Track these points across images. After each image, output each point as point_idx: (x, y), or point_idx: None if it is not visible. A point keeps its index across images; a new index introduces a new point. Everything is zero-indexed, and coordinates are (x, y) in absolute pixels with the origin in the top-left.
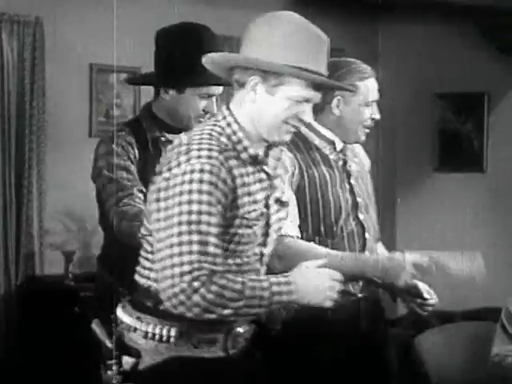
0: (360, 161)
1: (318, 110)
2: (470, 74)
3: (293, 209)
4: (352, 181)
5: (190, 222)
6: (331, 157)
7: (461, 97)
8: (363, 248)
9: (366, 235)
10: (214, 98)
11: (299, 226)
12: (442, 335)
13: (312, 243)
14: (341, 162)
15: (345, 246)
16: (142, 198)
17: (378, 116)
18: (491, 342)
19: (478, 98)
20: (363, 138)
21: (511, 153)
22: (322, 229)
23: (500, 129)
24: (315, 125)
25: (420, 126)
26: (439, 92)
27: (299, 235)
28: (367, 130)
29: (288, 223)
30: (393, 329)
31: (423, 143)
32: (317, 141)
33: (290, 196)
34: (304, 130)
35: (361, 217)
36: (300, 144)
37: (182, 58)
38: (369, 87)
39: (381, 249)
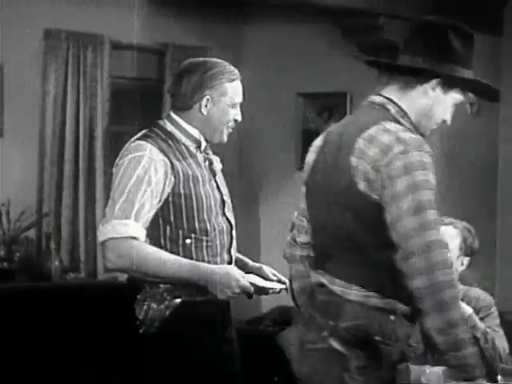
0: (217, 159)
1: (185, 108)
2: (332, 74)
3: (147, 211)
4: (217, 179)
5: None
6: (198, 155)
7: (323, 96)
8: (230, 245)
9: (233, 232)
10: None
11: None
12: (302, 332)
13: (157, 248)
14: (207, 162)
15: (217, 243)
16: None
17: (240, 117)
18: None
19: (340, 97)
20: (225, 138)
21: None
22: (197, 226)
23: None
24: (182, 122)
25: (283, 125)
26: (302, 92)
27: (142, 237)
28: (228, 131)
29: (133, 224)
30: (256, 326)
31: (286, 143)
32: (184, 139)
33: (146, 199)
34: (171, 127)
35: (228, 214)
36: (170, 142)
37: None
38: (236, 89)
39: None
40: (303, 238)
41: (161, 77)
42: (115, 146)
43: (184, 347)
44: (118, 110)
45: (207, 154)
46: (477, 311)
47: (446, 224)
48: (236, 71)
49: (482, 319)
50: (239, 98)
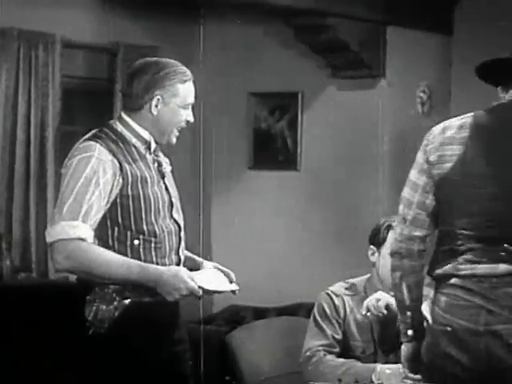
0: (167, 161)
1: (136, 108)
2: (284, 74)
3: (95, 213)
4: (166, 181)
5: None
6: (147, 157)
7: (275, 96)
8: (179, 246)
9: (182, 234)
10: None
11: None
12: (252, 331)
13: (105, 249)
14: (156, 163)
15: (166, 245)
16: None
17: (191, 119)
18: (300, 337)
19: (291, 97)
20: (175, 139)
21: (324, 151)
22: (145, 227)
23: (313, 127)
24: (132, 123)
25: (235, 124)
26: (253, 91)
27: (90, 238)
28: (178, 133)
29: (81, 225)
30: (208, 326)
31: (238, 142)
32: (133, 139)
33: (94, 200)
34: (121, 128)
35: (176, 216)
36: (120, 143)
37: None
38: (188, 90)
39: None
40: (420, 232)
41: (112, 76)
42: (66, 146)
43: (133, 348)
44: (70, 109)
45: (157, 155)
46: None
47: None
48: (188, 72)
49: None
50: (191, 100)
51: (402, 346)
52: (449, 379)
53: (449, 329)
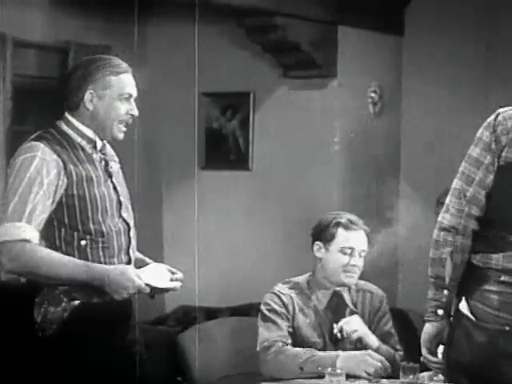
0: (116, 159)
1: (75, 106)
2: (236, 74)
3: (39, 213)
4: (114, 180)
5: None
6: (94, 156)
7: (227, 96)
8: (128, 246)
9: (131, 233)
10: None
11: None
12: (204, 332)
13: (50, 250)
14: (103, 162)
15: (114, 245)
16: None
17: (135, 112)
18: (251, 338)
19: (243, 96)
20: (121, 135)
21: (275, 150)
22: (92, 228)
23: (265, 127)
24: (75, 122)
25: (186, 124)
26: (205, 91)
27: (35, 239)
28: (124, 128)
29: (25, 226)
30: (159, 326)
31: (190, 142)
32: (79, 139)
33: (38, 200)
34: (66, 128)
35: (124, 215)
36: (65, 143)
37: None
38: (123, 82)
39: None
40: (477, 212)
41: (63, 75)
42: (17, 146)
43: (82, 349)
44: (21, 109)
45: (104, 153)
46: (375, 308)
47: (359, 229)
48: (124, 65)
49: (380, 319)
50: (128, 91)
51: (426, 326)
52: (503, 378)
53: (507, 328)
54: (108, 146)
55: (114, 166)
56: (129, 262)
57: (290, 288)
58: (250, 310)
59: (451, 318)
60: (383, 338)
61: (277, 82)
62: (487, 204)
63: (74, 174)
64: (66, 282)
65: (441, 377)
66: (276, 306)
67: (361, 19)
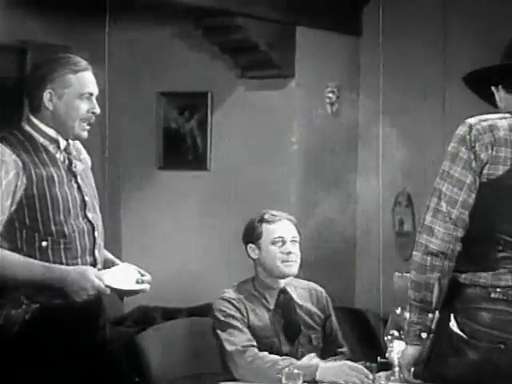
0: (84, 159)
1: (36, 107)
2: (193, 74)
3: None
4: (79, 180)
5: None
6: (57, 156)
7: (185, 96)
8: (93, 246)
9: (96, 234)
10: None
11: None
12: (162, 332)
13: (8, 251)
14: (67, 162)
15: (77, 245)
16: None
17: (97, 110)
18: (209, 338)
19: (201, 96)
20: (84, 134)
21: (234, 151)
22: (53, 228)
23: (223, 127)
24: (38, 123)
25: (144, 124)
26: (163, 91)
27: None
28: (87, 126)
29: None
30: (118, 327)
31: (148, 142)
32: (41, 139)
33: None
34: (29, 129)
35: (89, 216)
36: (27, 144)
37: None
38: (83, 80)
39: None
40: (461, 233)
41: (21, 76)
42: None
43: (44, 352)
44: None
45: (68, 153)
46: (323, 305)
47: (283, 219)
48: (83, 63)
49: (329, 317)
50: (89, 89)
51: (409, 349)
52: None
53: (502, 346)
54: (74, 146)
55: (79, 166)
56: (94, 263)
57: (238, 292)
58: (208, 311)
59: (432, 335)
60: (334, 334)
61: (235, 83)
62: (470, 222)
63: (33, 174)
64: (23, 284)
65: (397, 377)
66: (231, 312)
67: (319, 20)
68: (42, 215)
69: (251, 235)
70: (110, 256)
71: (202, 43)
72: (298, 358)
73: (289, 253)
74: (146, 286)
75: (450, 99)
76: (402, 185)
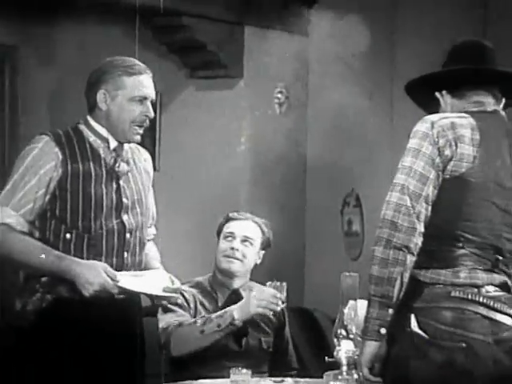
0: (140, 163)
1: (91, 107)
2: None
3: (29, 201)
4: (120, 181)
5: None
6: (102, 155)
7: None
8: (123, 248)
9: (127, 236)
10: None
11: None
12: None
13: (28, 237)
14: (112, 162)
15: (103, 244)
16: None
17: (151, 114)
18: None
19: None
20: (136, 137)
21: (183, 151)
22: (80, 223)
23: (172, 128)
24: (92, 122)
25: None
26: None
27: (18, 225)
28: (140, 130)
29: (8, 211)
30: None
31: None
32: (92, 138)
33: (29, 189)
34: (83, 127)
35: (124, 217)
36: (74, 140)
37: None
38: (137, 83)
39: (153, 248)
40: (423, 228)
41: None
42: None
43: (61, 344)
44: None
45: (118, 154)
46: (278, 313)
47: (246, 219)
48: (139, 66)
49: (282, 326)
50: (142, 93)
51: (367, 345)
52: None
53: (464, 345)
54: (131, 148)
55: (125, 168)
56: (121, 265)
57: (192, 287)
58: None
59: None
60: (284, 346)
61: (183, 83)
62: (430, 218)
63: (70, 168)
64: (34, 270)
65: (345, 376)
66: (178, 301)
67: (267, 20)
68: (71, 208)
69: (217, 231)
70: (155, 263)
71: (151, 43)
72: (248, 359)
73: (232, 248)
74: (173, 295)
75: (397, 97)
76: (350, 184)
